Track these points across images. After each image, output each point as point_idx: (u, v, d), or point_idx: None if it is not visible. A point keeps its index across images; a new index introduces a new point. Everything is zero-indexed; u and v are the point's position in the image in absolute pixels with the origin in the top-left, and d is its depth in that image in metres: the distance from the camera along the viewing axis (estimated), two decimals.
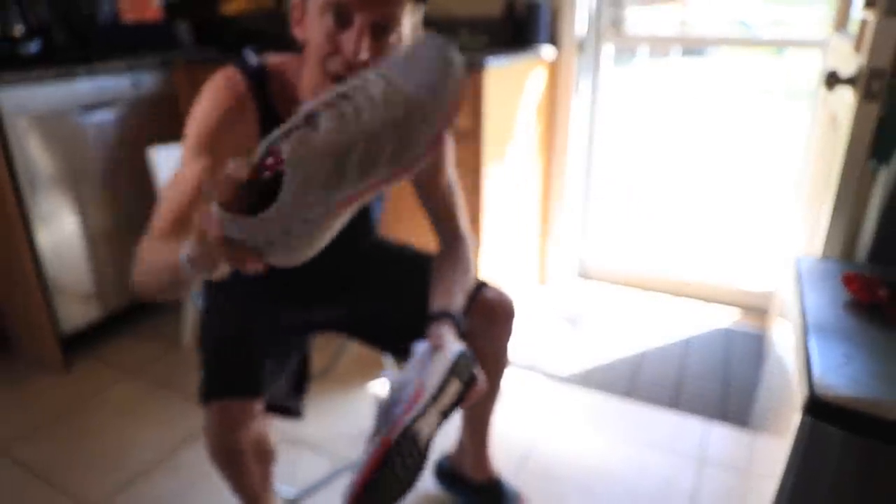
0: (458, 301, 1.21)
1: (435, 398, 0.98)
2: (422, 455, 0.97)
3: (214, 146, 1.04)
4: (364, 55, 1.00)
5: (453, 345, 1.06)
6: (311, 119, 0.71)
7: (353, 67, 1.01)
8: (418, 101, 0.71)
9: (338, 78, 1.03)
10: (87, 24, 2.68)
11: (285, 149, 0.69)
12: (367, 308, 1.47)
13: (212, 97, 1.08)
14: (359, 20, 0.99)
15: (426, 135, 0.73)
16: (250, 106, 1.10)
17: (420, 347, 1.08)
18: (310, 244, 0.75)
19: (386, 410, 1.01)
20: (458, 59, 0.74)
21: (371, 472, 0.92)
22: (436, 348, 1.06)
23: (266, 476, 1.40)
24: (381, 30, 1.01)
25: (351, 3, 0.98)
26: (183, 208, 1.00)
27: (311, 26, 1.03)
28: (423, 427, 0.97)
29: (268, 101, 1.12)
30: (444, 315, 1.16)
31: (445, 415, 0.99)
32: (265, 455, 1.36)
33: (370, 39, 1.00)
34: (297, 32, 1.08)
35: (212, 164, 1.02)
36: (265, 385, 1.28)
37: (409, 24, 1.04)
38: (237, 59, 1.14)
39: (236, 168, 0.70)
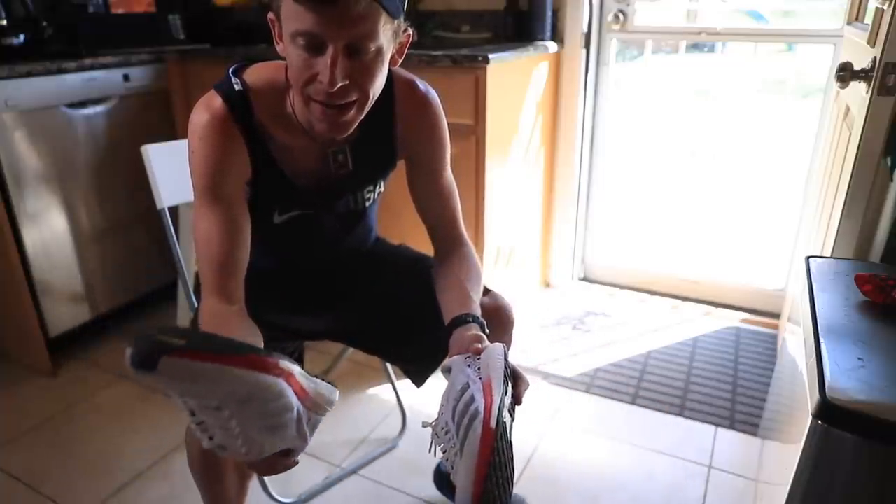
0: (476, 307, 1.18)
1: (506, 382, 0.96)
2: (511, 445, 0.94)
3: (221, 189, 1.10)
4: (340, 82, 0.97)
5: (491, 343, 1.04)
6: (220, 448, 0.79)
7: (332, 95, 1.00)
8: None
9: (319, 103, 1.02)
10: (75, 15, 2.65)
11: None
12: (365, 316, 1.46)
13: (203, 135, 1.10)
14: (331, 47, 0.96)
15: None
16: (236, 132, 1.11)
17: (456, 358, 1.05)
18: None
19: (457, 407, 0.97)
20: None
21: (486, 460, 0.89)
22: (477, 351, 1.05)
23: (243, 490, 1.41)
24: (357, 49, 0.98)
25: (320, 32, 0.95)
26: (221, 259, 1.09)
27: (287, 50, 1.02)
28: (505, 415, 0.94)
29: (252, 123, 1.13)
30: (468, 320, 1.13)
31: (511, 412, 0.97)
32: (245, 467, 1.35)
33: (346, 60, 0.97)
34: (279, 49, 1.07)
35: (224, 207, 1.10)
36: None
37: (388, 31, 1.00)
38: (219, 83, 1.13)
39: None
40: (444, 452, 0.97)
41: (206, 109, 1.10)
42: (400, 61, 1.11)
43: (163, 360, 0.66)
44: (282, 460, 0.86)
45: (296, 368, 0.83)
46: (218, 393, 0.73)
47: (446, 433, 0.97)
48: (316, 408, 0.86)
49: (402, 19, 1.04)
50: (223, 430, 0.76)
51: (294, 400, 0.80)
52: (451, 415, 0.96)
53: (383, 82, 1.07)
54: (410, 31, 1.09)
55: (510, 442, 0.94)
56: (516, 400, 1.00)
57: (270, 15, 1.04)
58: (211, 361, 0.70)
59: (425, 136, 1.26)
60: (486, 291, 1.37)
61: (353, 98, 1.02)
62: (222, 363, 0.71)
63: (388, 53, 1.04)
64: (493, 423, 0.91)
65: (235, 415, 0.75)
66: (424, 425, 1.04)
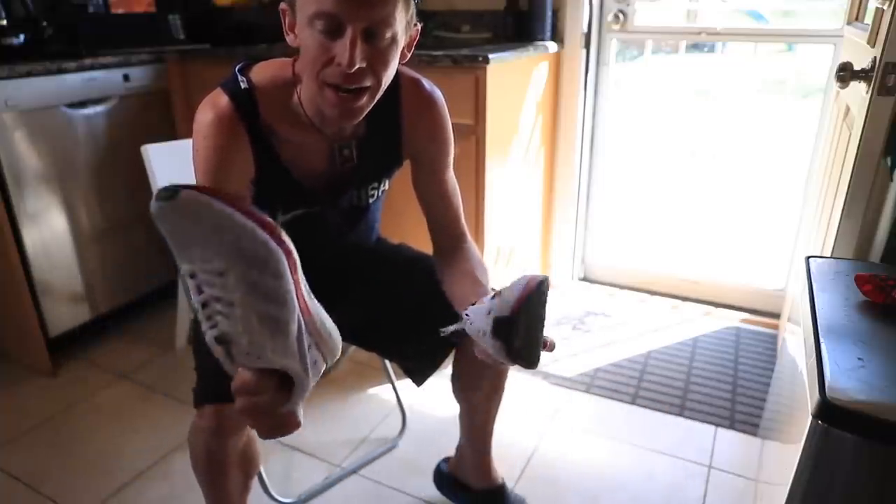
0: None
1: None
2: (543, 320, 0.96)
3: (225, 188, 1.08)
4: (358, 63, 0.98)
5: None
6: (222, 341, 0.76)
7: (348, 77, 1.00)
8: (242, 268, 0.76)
9: (334, 87, 1.03)
10: (75, 15, 2.65)
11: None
12: (367, 314, 1.46)
13: (208, 134, 1.10)
14: (350, 29, 0.97)
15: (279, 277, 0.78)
16: (241, 130, 1.11)
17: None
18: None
19: (482, 312, 0.99)
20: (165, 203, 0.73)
21: (532, 288, 0.93)
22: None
23: (246, 488, 1.40)
24: (375, 33, 0.99)
25: (340, 13, 0.96)
26: None
27: (302, 35, 1.02)
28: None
29: (258, 121, 1.13)
30: None
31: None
32: (249, 465, 1.37)
33: (364, 44, 0.98)
34: (290, 39, 1.07)
35: None
36: None
37: (402, 20, 1.02)
38: (225, 81, 1.14)
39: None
40: (477, 332, 0.99)
41: (211, 108, 1.10)
42: (409, 56, 1.12)
43: (184, 191, 0.72)
44: (285, 416, 0.81)
45: (297, 259, 0.83)
46: (223, 244, 0.75)
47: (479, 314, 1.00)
48: (318, 336, 0.85)
49: (415, 10, 1.05)
50: (227, 308, 0.76)
51: (294, 298, 0.80)
52: (486, 312, 0.99)
53: (394, 72, 1.08)
54: (419, 25, 1.11)
55: (545, 312, 0.96)
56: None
57: (282, 5, 1.05)
58: (223, 202, 0.74)
59: (431, 136, 1.27)
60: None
61: (367, 84, 1.03)
62: (233, 207, 0.75)
63: (401, 43, 1.05)
64: (538, 277, 0.95)
65: (239, 285, 0.76)
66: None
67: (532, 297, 0.94)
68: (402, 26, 1.03)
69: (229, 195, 0.76)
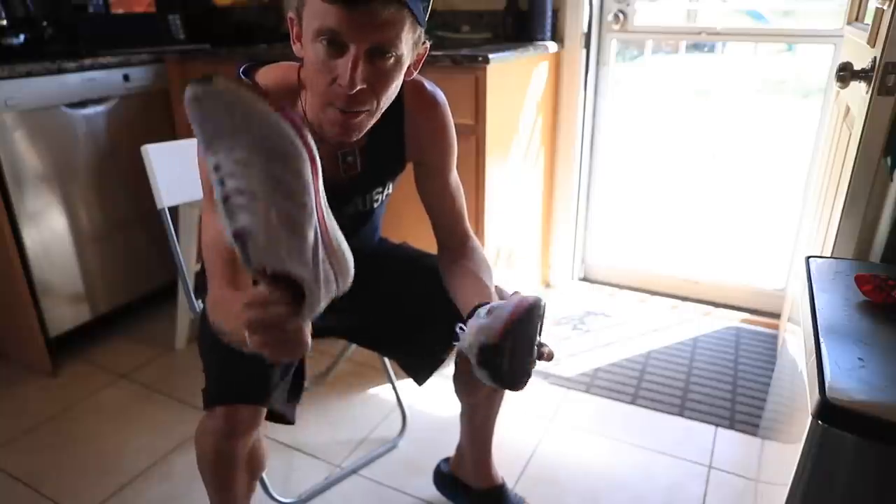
0: (494, 295, 1.19)
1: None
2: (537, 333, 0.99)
3: None
4: (359, 85, 0.97)
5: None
6: (240, 236, 0.77)
7: (349, 98, 0.99)
8: (264, 161, 0.77)
9: (334, 108, 1.02)
10: (75, 15, 2.66)
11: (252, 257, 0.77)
12: (370, 313, 1.46)
13: None
14: (353, 48, 0.96)
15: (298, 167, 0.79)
16: None
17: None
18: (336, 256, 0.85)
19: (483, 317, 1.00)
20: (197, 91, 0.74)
21: (520, 313, 0.95)
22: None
23: (251, 488, 1.40)
24: (378, 54, 0.98)
25: (343, 32, 0.94)
26: (231, 256, 1.05)
27: (307, 48, 1.01)
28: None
29: None
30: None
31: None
32: (256, 465, 1.36)
33: (366, 64, 0.97)
34: (296, 49, 1.06)
35: None
36: (272, 391, 1.25)
37: (409, 40, 1.01)
38: None
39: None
40: (469, 348, 0.99)
41: None
42: (415, 73, 1.12)
43: (220, 78, 0.73)
44: (294, 332, 0.81)
45: (320, 167, 0.83)
46: (250, 135, 0.75)
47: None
48: (332, 252, 0.85)
49: (423, 30, 1.04)
50: (248, 201, 0.76)
51: (313, 204, 0.80)
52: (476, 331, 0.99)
53: (397, 90, 1.07)
54: (428, 44, 1.10)
55: (536, 333, 0.99)
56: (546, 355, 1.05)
57: (291, 14, 1.04)
58: (256, 94, 0.75)
59: (434, 138, 1.27)
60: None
61: (368, 107, 1.02)
62: (265, 100, 0.75)
63: (407, 63, 1.05)
64: (529, 299, 0.96)
65: (261, 177, 0.76)
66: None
67: (520, 322, 0.93)
68: (409, 47, 1.02)
69: (261, 89, 0.76)
